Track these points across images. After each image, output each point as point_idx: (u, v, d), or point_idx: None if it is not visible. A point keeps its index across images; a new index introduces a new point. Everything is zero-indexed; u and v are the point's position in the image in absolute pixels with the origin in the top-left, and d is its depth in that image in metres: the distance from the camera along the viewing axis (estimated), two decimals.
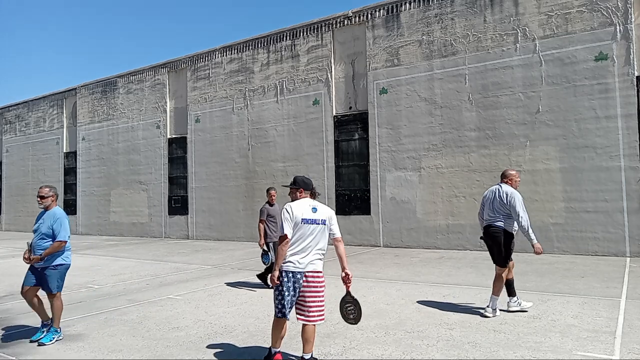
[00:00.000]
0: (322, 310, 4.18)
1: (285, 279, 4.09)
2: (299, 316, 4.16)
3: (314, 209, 4.22)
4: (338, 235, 4.32)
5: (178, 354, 4.78)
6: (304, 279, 4.11)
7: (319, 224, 4.19)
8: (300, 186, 4.36)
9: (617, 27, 10.74)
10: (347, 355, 4.59)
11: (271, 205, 8.13)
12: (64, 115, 23.74)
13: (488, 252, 6.34)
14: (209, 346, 4.98)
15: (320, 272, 4.20)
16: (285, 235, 4.10)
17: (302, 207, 4.20)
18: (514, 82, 11.89)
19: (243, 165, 16.85)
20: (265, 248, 7.96)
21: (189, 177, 18.39)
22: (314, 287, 4.13)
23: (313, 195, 4.39)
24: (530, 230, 5.92)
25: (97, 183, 21.78)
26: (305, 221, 4.14)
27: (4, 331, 5.82)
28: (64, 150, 23.53)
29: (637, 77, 10.58)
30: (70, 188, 23.08)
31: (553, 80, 11.43)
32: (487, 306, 5.91)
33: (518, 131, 11.81)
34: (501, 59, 12.11)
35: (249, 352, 4.76)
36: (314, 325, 4.15)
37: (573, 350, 4.56)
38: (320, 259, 4.22)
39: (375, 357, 4.52)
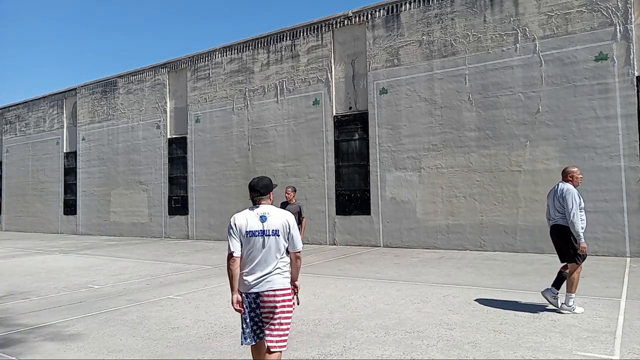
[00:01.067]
0: (285, 336, 3.54)
1: (242, 299, 3.54)
2: (266, 338, 3.56)
3: (263, 218, 3.54)
4: (297, 248, 3.63)
5: (178, 354, 4.78)
6: (261, 299, 3.50)
7: (269, 235, 3.50)
8: (259, 191, 3.69)
9: (617, 27, 10.74)
10: (347, 355, 4.58)
11: (288, 203, 8.26)
12: (64, 115, 23.74)
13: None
14: (209, 346, 4.98)
15: (282, 289, 3.53)
16: (230, 253, 3.53)
17: (247, 216, 3.56)
18: (514, 82, 11.89)
19: (243, 165, 16.85)
20: None
21: (189, 177, 18.39)
22: (273, 307, 3.50)
23: (257, 199, 3.66)
24: (579, 228, 5.83)
25: (97, 183, 21.78)
26: (251, 234, 3.50)
27: (4, 331, 5.82)
28: (64, 150, 23.52)
29: (637, 77, 10.57)
30: (70, 188, 23.08)
31: (553, 80, 11.43)
32: (563, 303, 5.90)
33: (518, 131, 11.81)
34: (501, 59, 12.11)
35: (248, 352, 4.75)
36: (278, 352, 3.52)
37: (573, 350, 4.56)
38: (279, 274, 3.54)
39: (375, 357, 4.52)
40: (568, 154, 11.16)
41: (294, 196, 8.41)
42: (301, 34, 15.70)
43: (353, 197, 14.47)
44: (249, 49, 16.94)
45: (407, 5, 13.56)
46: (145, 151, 19.88)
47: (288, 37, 15.99)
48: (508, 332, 5.18)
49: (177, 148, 18.94)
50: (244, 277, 3.52)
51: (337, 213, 14.65)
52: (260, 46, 16.64)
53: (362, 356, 4.56)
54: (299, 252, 3.66)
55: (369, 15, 14.32)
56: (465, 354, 4.52)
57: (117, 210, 20.86)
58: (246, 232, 3.51)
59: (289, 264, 3.64)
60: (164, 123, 19.33)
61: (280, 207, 8.32)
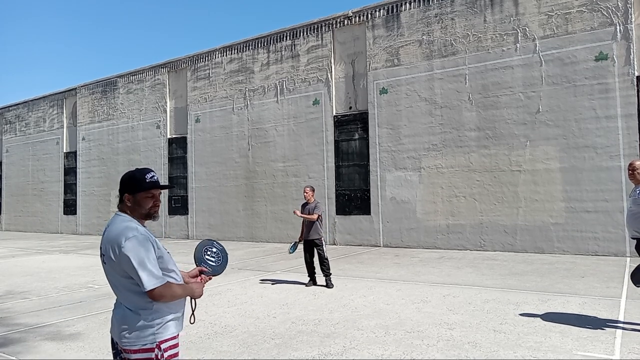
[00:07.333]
0: None
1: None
2: None
3: (105, 232, 2.40)
4: (146, 285, 2.24)
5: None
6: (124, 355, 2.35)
7: (105, 262, 2.37)
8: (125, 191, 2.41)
9: (617, 27, 10.73)
10: (347, 355, 4.58)
11: (308, 203, 8.40)
12: (64, 115, 23.74)
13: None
14: (209, 346, 4.98)
15: (135, 351, 2.29)
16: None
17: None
18: (514, 82, 11.89)
19: (243, 165, 16.85)
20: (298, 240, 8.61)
21: (189, 177, 18.39)
22: None
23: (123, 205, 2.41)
24: None
25: (97, 183, 21.78)
26: (101, 255, 2.41)
27: (3, 330, 5.82)
28: (64, 150, 23.52)
29: (637, 77, 10.57)
30: (70, 188, 23.08)
31: (553, 80, 11.43)
32: None
33: (518, 131, 11.81)
34: (501, 59, 12.10)
35: (248, 352, 4.76)
36: None
37: (573, 350, 4.56)
38: (128, 329, 2.35)
39: (375, 357, 4.51)
40: (568, 153, 11.17)
41: (312, 195, 8.47)
42: (301, 33, 15.70)
43: (353, 197, 14.47)
44: (249, 48, 16.94)
45: (407, 5, 13.56)
46: (145, 151, 19.87)
47: (288, 37, 15.98)
48: (508, 332, 5.17)
49: (177, 148, 18.94)
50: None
51: (337, 213, 14.65)
52: (260, 46, 16.64)
53: (362, 356, 4.56)
54: (153, 289, 2.25)
55: (369, 15, 14.31)
56: (465, 354, 4.52)
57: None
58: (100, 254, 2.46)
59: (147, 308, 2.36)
60: (164, 123, 19.33)
61: (301, 208, 8.42)
